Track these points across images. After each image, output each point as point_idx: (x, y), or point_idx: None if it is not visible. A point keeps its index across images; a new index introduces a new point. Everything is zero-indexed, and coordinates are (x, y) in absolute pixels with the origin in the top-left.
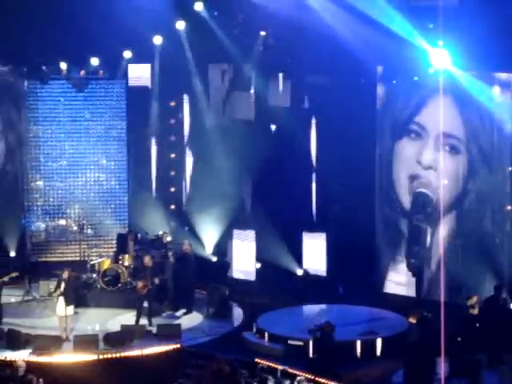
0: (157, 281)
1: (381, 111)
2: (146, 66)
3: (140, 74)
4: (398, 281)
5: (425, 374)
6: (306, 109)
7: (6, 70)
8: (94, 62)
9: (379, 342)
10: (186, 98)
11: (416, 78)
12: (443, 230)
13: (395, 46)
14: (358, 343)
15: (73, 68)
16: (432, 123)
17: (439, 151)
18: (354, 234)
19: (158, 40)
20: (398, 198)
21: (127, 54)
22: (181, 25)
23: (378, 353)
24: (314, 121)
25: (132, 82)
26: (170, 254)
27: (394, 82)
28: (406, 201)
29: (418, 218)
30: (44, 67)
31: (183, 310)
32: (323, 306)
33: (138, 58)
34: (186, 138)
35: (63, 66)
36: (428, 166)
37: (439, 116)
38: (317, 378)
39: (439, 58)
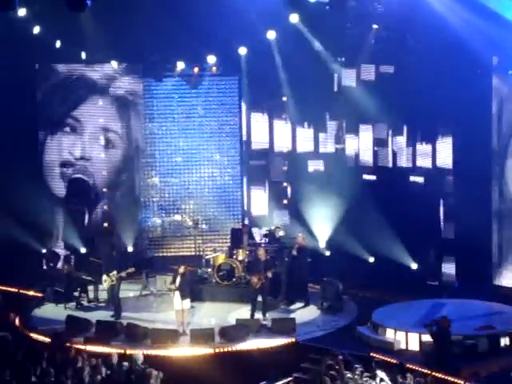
0: (270, 274)
1: (497, 103)
2: None
3: None
4: None
5: None
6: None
7: (122, 69)
8: (211, 59)
9: (497, 336)
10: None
11: None
12: None
13: (510, 36)
14: (476, 338)
15: (188, 65)
16: None
17: None
18: (469, 227)
19: (271, 35)
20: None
21: (242, 51)
22: (295, 18)
23: (496, 347)
24: None
25: None
26: (294, 246)
27: (510, 72)
28: None
29: None
30: (159, 64)
31: (298, 304)
32: (438, 301)
33: (252, 54)
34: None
35: (180, 64)
36: None
37: None
38: (434, 373)
39: None
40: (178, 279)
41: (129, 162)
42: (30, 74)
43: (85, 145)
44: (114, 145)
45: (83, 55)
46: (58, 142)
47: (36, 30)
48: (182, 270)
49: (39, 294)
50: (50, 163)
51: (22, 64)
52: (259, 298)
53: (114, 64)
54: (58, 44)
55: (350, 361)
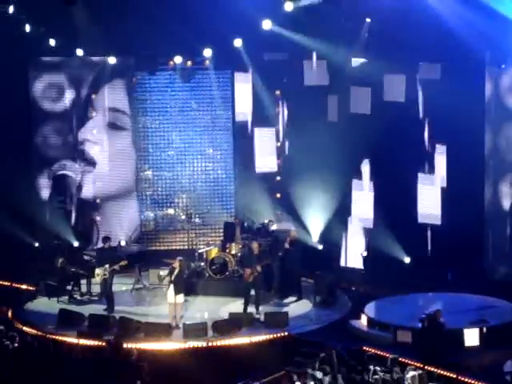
0: (259, 268)
1: (490, 96)
2: None
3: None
4: (509, 268)
5: None
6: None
7: (116, 62)
8: (206, 53)
9: (490, 330)
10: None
11: None
12: None
13: (503, 30)
14: (469, 332)
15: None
16: None
17: None
18: (462, 220)
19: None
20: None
21: (238, 43)
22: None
23: (489, 341)
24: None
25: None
26: (286, 240)
27: (503, 66)
28: None
29: None
30: (152, 58)
31: (291, 298)
32: (432, 295)
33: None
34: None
35: (177, 59)
36: None
37: None
38: (426, 367)
39: None
40: (174, 273)
41: (121, 156)
42: (22, 68)
43: (77, 141)
44: (108, 139)
45: (78, 50)
46: (48, 137)
47: (27, 28)
48: (177, 264)
49: (32, 288)
50: (42, 159)
51: (14, 58)
52: (252, 292)
53: (112, 60)
54: (51, 42)
55: (343, 355)
